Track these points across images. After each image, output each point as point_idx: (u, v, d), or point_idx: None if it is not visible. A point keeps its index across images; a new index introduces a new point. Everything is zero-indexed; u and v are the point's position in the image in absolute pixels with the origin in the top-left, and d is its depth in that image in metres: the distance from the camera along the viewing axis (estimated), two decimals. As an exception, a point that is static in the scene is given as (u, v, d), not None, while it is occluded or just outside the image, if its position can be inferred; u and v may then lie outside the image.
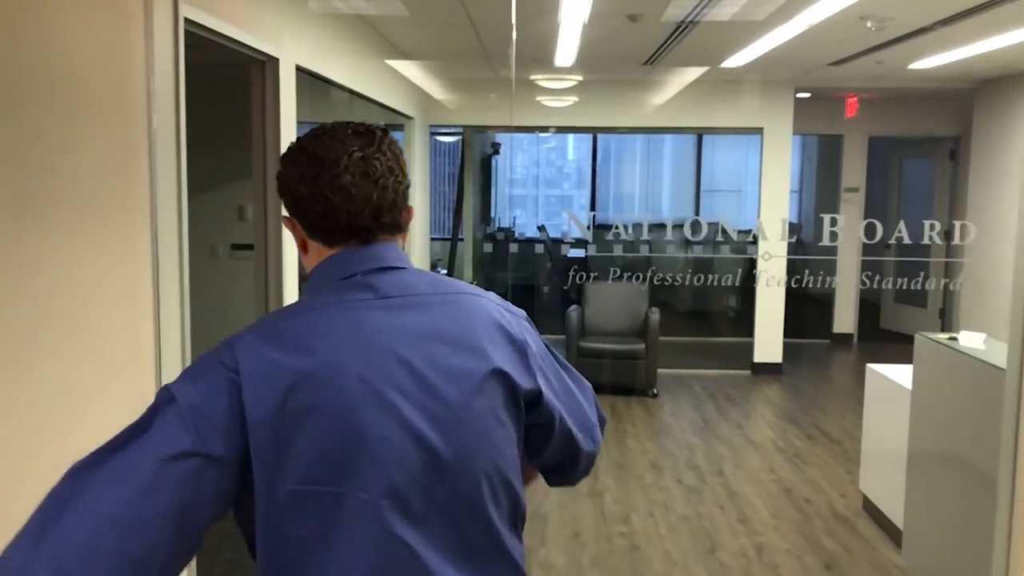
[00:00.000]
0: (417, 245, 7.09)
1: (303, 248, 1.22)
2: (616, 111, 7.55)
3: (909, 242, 6.84)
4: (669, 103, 7.49)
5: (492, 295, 1.26)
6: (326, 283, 1.16)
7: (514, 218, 11.70)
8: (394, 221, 1.20)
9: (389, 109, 6.09)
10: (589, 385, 1.34)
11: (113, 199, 2.11)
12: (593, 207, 12.01)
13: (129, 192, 2.18)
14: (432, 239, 8.54)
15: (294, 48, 3.51)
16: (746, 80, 7.33)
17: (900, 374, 4.22)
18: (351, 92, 4.87)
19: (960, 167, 8.63)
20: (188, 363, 2.44)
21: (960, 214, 8.23)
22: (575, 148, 13.30)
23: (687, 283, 9.35)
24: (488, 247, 9.70)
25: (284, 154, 1.19)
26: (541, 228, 11.05)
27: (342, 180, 1.13)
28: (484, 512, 1.12)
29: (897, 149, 9.53)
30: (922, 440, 3.66)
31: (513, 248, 10.11)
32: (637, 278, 9.08)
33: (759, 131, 7.49)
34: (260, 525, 1.04)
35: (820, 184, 10.74)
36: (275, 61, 3.14)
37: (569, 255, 10.54)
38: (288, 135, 3.25)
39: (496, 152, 11.33)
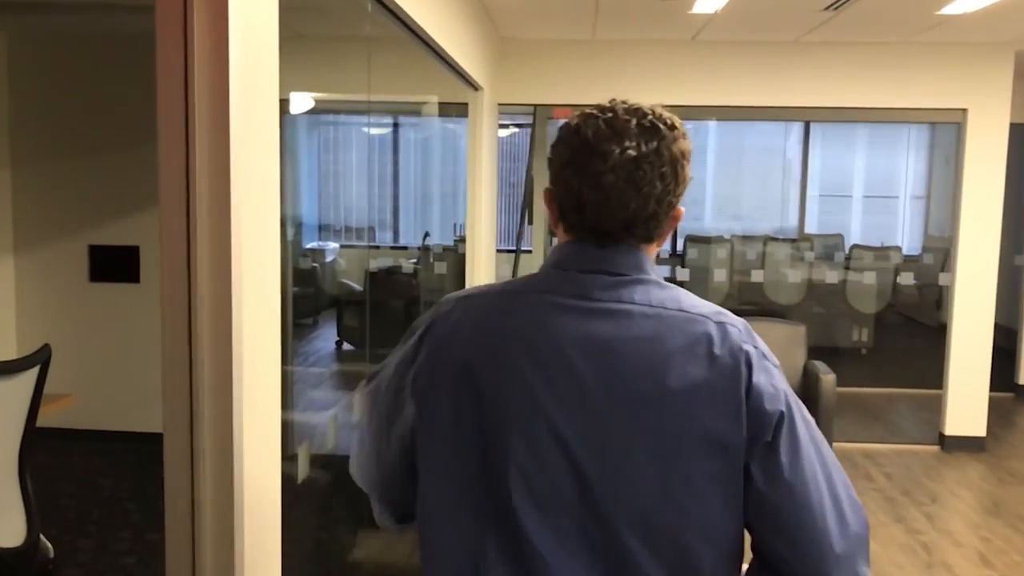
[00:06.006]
0: (483, 257, 5.10)
1: (555, 224, 1.17)
2: (760, 85, 5.46)
3: None
4: (830, 75, 5.40)
5: (723, 317, 1.10)
6: (548, 267, 1.15)
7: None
8: (647, 233, 1.12)
9: (456, 72, 4.08)
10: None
11: None
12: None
13: None
14: (498, 251, 6.51)
15: None
16: (944, 42, 5.23)
17: None
18: (409, 29, 2.87)
19: None
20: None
21: None
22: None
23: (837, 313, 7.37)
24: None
25: (563, 125, 1.12)
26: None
27: (604, 180, 1.07)
28: (626, 550, 1.04)
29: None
30: None
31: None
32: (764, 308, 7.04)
33: (961, 114, 5.39)
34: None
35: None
36: None
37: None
38: (247, 89, 1.36)
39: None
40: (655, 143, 1.06)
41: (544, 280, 1.12)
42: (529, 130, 7.40)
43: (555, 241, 1.15)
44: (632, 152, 1.05)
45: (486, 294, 1.15)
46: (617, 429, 1.03)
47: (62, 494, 4.29)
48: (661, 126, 1.08)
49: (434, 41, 3.31)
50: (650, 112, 1.09)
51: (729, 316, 1.11)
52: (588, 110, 1.11)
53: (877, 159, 9.41)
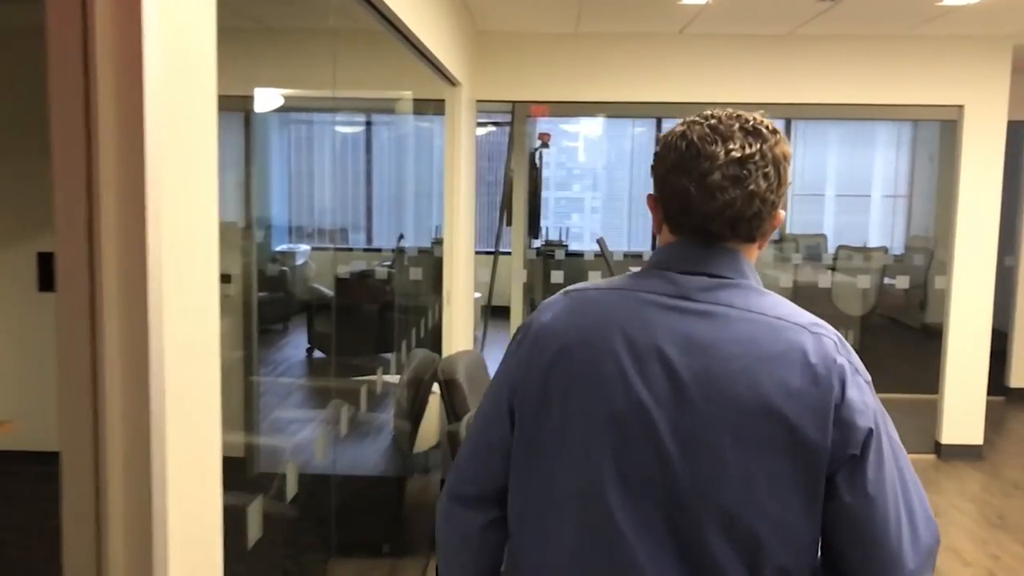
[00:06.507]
0: (461, 258, 4.83)
1: (659, 228, 1.22)
2: (750, 81, 5.23)
3: None
4: (824, 70, 5.18)
5: (820, 328, 1.12)
6: (651, 267, 1.19)
7: (566, 229, 9.39)
8: (750, 232, 1.15)
9: (433, 66, 3.80)
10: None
11: None
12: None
13: None
14: (476, 252, 6.24)
15: None
16: (941, 36, 5.03)
17: None
18: (385, 19, 2.60)
19: None
20: None
21: None
22: (609, 139, 10.97)
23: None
24: (543, 267, 7.39)
25: (665, 134, 1.18)
26: (600, 242, 8.75)
27: (711, 179, 1.11)
28: (704, 539, 1.07)
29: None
30: None
31: (574, 267, 7.82)
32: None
33: (957, 111, 5.20)
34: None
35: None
36: None
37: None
38: (170, 86, 1.09)
39: (545, 145, 9.05)
40: (759, 144, 1.12)
41: (645, 279, 1.17)
42: (507, 128, 7.14)
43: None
44: (736, 153, 1.10)
45: (590, 288, 1.21)
46: (706, 427, 1.07)
47: (6, 527, 3.94)
48: (763, 130, 1.14)
49: (410, 31, 3.03)
50: (752, 118, 1.15)
51: (826, 328, 1.13)
52: (691, 118, 1.17)
53: (857, 157, 9.25)
